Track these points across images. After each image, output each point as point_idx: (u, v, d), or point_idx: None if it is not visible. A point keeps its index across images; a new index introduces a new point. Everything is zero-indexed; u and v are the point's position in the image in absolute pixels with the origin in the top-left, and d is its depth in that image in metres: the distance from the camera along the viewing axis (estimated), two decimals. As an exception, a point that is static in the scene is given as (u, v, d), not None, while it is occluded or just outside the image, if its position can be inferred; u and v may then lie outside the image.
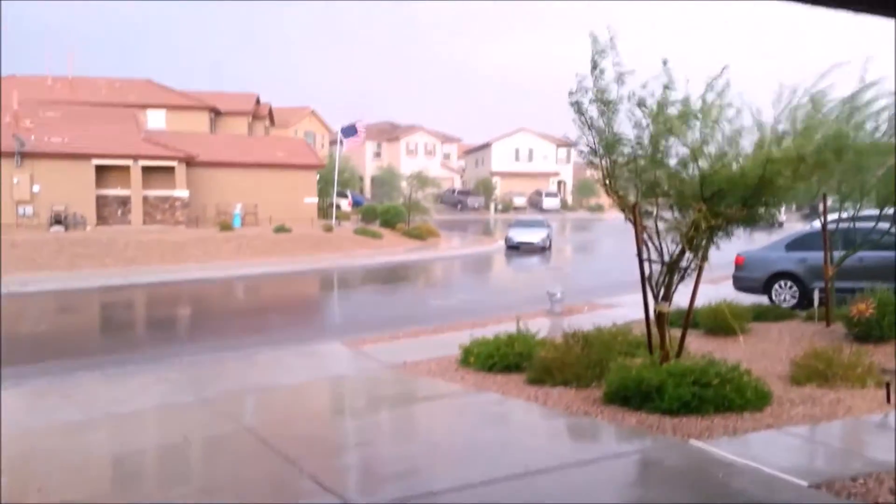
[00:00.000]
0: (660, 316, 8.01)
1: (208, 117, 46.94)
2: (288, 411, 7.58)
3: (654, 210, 7.61)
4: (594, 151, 7.11)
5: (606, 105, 6.75)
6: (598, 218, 62.14)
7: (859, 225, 12.25)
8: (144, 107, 43.41)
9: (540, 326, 11.64)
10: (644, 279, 7.90)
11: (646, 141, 6.87)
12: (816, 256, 12.60)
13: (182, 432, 6.77)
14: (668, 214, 7.46)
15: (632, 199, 7.40)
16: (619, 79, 6.63)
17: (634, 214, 7.68)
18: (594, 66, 6.68)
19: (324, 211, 37.57)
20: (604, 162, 7.17)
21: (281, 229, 29.79)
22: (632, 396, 6.61)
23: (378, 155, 68.19)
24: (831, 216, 12.15)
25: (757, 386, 6.65)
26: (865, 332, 9.61)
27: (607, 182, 7.34)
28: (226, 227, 30.19)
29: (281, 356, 10.91)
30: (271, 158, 36.38)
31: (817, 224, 14.01)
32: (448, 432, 6.45)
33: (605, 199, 72.73)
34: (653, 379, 6.38)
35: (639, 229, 7.70)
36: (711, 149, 6.87)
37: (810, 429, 5.84)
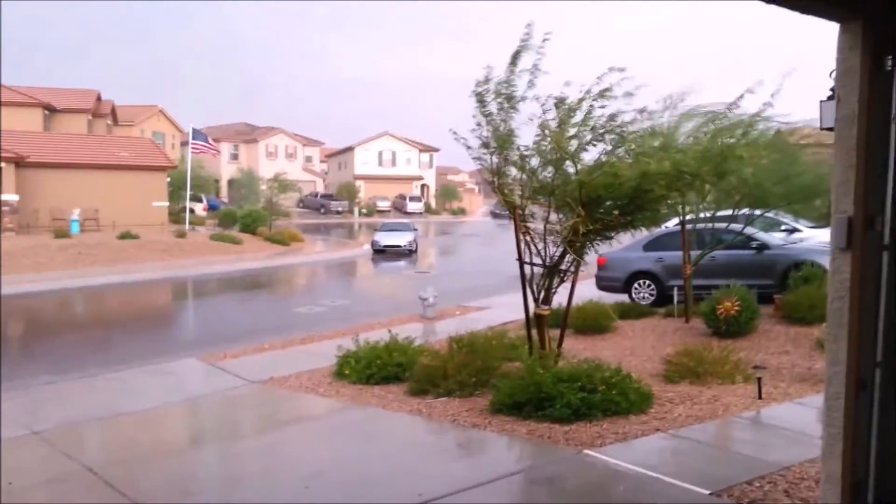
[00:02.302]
0: (540, 318, 7.87)
1: (41, 115, 42.77)
2: (136, 445, 6.64)
3: (537, 212, 7.48)
4: (486, 145, 6.87)
5: (508, 100, 6.55)
6: (460, 221, 63.20)
7: (710, 225, 12.97)
8: (-36, 102, 38.79)
9: (414, 332, 11.27)
10: (524, 282, 7.74)
11: (539, 143, 6.72)
12: (672, 256, 13.19)
13: (8, 475, 5.70)
14: (551, 217, 7.33)
15: (517, 199, 7.21)
16: (531, 81, 6.49)
17: (515, 216, 7.51)
18: (514, 60, 6.49)
19: (176, 216, 35.24)
20: (494, 158, 6.95)
21: (127, 235, 27.47)
22: (520, 405, 6.36)
23: (235, 157, 65.37)
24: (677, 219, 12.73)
25: (639, 388, 6.63)
26: (725, 328, 10.07)
27: (494, 180, 7.11)
28: (62, 233, 27.41)
29: (126, 377, 9.74)
30: (114, 159, 33.60)
31: (670, 224, 14.73)
32: (326, 457, 5.87)
33: (467, 203, 74.42)
34: (546, 386, 6.16)
35: (519, 231, 7.53)
36: (590, 155, 6.83)
37: (695, 430, 5.83)
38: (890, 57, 3.19)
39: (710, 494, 4.34)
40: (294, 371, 9.29)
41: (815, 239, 14.21)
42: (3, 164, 28.19)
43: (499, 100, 6.73)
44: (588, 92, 6.77)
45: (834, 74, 3.30)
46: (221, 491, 5.05)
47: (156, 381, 9.60)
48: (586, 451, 5.29)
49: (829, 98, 3.43)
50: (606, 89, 6.60)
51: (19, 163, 28.86)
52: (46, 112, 43.35)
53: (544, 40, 6.66)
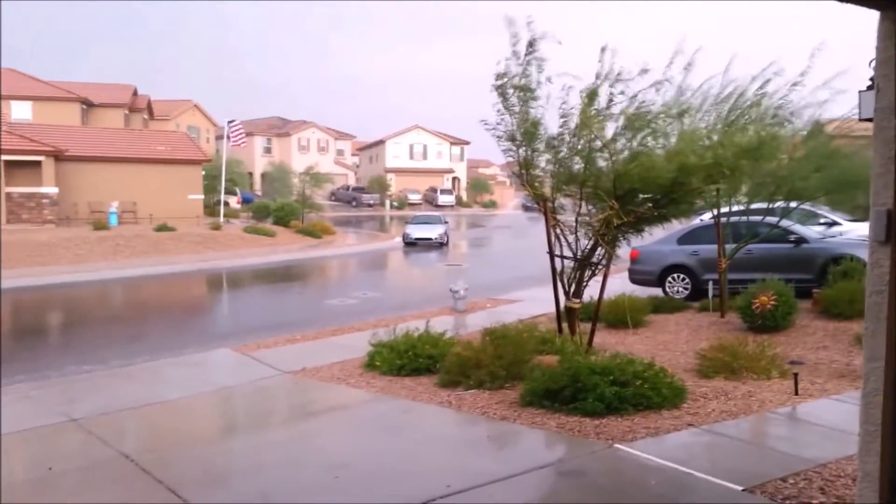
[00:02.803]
0: (570, 311, 7.84)
1: (80, 109, 43.74)
2: (172, 433, 6.78)
3: (566, 205, 7.43)
4: (512, 138, 6.83)
5: (529, 92, 6.50)
6: (491, 214, 63.06)
7: (745, 218, 12.73)
8: (7, 97, 39.88)
9: (445, 324, 11.29)
10: (555, 274, 7.71)
11: (565, 133, 6.66)
12: (706, 249, 12.99)
13: (48, 461, 5.87)
14: (582, 209, 7.27)
15: (546, 191, 7.17)
16: (539, 67, 6.43)
17: (545, 209, 7.46)
18: (529, 50, 6.45)
19: (211, 209, 35.77)
20: (521, 151, 6.91)
21: (163, 228, 27.97)
22: (553, 393, 6.33)
23: (268, 151, 66.06)
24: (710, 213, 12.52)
25: (672, 383, 6.55)
26: (761, 323, 9.90)
27: (523, 173, 7.07)
28: (100, 226, 28.01)
29: (162, 367, 9.94)
30: (151, 153, 34.19)
31: (706, 217, 14.51)
32: (355, 447, 5.91)
33: (498, 196, 74.25)
34: (583, 375, 6.11)
35: (550, 224, 7.49)
36: (627, 146, 6.74)
37: (729, 425, 5.75)
38: (932, 45, 3.08)
39: (744, 491, 4.28)
40: (326, 362, 9.37)
41: (854, 232, 13.88)
42: (42, 158, 28.89)
43: (518, 92, 6.68)
44: (613, 76, 6.68)
45: (873, 64, 3.21)
46: (253, 478, 5.12)
47: (190, 371, 9.78)
48: (617, 446, 5.25)
49: (869, 88, 3.34)
50: (619, 74, 6.51)
51: (59, 156, 29.54)
52: (84, 107, 44.30)
53: (536, 40, 6.58)
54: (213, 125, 59.50)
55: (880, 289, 3.16)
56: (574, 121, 6.57)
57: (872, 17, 3.16)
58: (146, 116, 51.19)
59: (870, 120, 3.30)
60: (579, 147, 6.75)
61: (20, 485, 5.37)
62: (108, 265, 22.46)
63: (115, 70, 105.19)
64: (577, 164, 6.99)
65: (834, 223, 16.13)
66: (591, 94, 6.60)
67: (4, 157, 27.97)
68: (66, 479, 5.52)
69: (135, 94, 49.65)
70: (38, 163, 28.81)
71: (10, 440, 6.62)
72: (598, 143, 6.65)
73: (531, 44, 6.52)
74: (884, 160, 3.14)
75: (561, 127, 6.73)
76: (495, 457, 5.58)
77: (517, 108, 6.79)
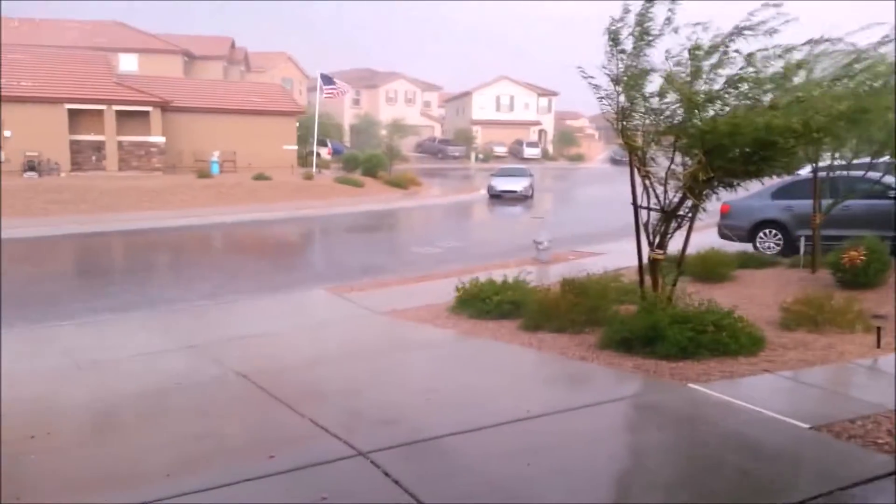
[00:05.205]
0: (653, 263, 7.99)
1: (182, 61, 45.73)
2: (280, 359, 7.50)
3: (658, 157, 7.51)
4: (616, 81, 6.94)
5: (644, 37, 6.59)
6: (578, 167, 62.15)
7: (845, 173, 12.30)
8: (115, 50, 42.13)
9: (528, 275, 11.64)
10: (638, 226, 7.85)
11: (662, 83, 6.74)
12: (801, 204, 12.66)
13: (176, 378, 6.68)
14: (676, 160, 7.34)
15: (639, 141, 7.29)
16: (668, 19, 6.52)
17: (634, 159, 7.57)
18: None
19: (303, 159, 37.02)
20: (621, 98, 7.04)
21: (260, 177, 29.32)
22: (628, 342, 6.62)
23: (357, 102, 67.03)
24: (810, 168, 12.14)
25: (751, 331, 6.69)
26: (852, 279, 9.73)
27: (618, 122, 7.21)
28: (204, 174, 29.63)
29: (265, 304, 10.81)
30: (249, 104, 35.58)
31: (802, 172, 14.06)
32: (446, 378, 6.43)
33: (586, 149, 72.84)
34: (662, 325, 6.37)
35: (640, 175, 7.61)
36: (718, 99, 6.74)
37: (805, 373, 5.90)
38: None
39: (810, 428, 4.49)
40: (414, 305, 9.93)
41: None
42: (150, 109, 30.64)
43: (636, 33, 6.72)
44: (728, 36, 6.63)
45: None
46: (353, 397, 5.71)
47: (290, 307, 10.60)
48: (691, 385, 5.52)
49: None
50: (745, 27, 6.46)
51: (165, 107, 31.24)
52: (186, 59, 46.28)
53: None
54: (306, 77, 60.91)
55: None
56: (675, 85, 6.60)
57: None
58: (243, 69, 52.97)
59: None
60: (681, 100, 6.77)
61: (156, 395, 6.18)
62: (212, 211, 23.91)
63: (214, 23, 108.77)
64: (675, 115, 7.02)
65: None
66: (715, 48, 6.60)
67: (116, 108, 29.83)
68: (193, 392, 6.30)
69: (232, 46, 51.39)
70: (147, 113, 30.58)
71: (139, 360, 7.54)
72: (701, 97, 6.67)
73: None
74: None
75: (666, 77, 6.75)
76: (572, 389, 5.97)
77: (628, 53, 6.84)
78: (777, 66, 6.89)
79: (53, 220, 21.20)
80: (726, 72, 6.75)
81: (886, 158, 11.96)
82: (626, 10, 6.89)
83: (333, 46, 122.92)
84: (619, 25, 6.94)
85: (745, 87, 6.79)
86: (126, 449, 4.89)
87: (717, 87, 6.87)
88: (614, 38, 6.98)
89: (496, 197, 31.14)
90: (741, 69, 6.72)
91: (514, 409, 5.00)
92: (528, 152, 63.64)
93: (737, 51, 6.68)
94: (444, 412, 5.16)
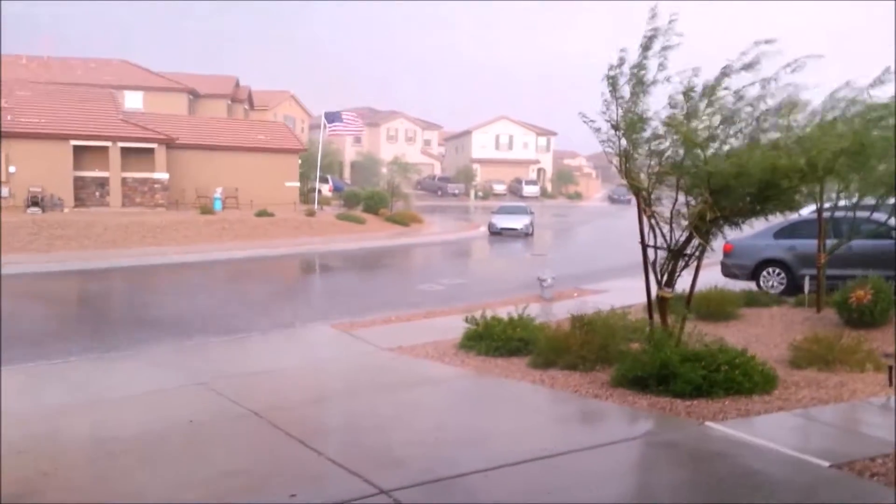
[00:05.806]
0: (662, 301, 8.04)
1: (187, 99, 46.27)
2: (289, 395, 7.47)
3: (662, 196, 7.62)
4: (616, 127, 7.09)
5: (640, 84, 6.76)
6: (576, 205, 62.58)
7: (848, 214, 12.40)
8: (121, 87, 42.64)
9: (533, 311, 11.64)
10: (647, 264, 7.92)
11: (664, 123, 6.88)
12: (804, 244, 12.76)
13: (188, 415, 6.64)
14: (679, 200, 7.45)
15: (644, 182, 7.40)
16: (662, 64, 6.68)
17: (639, 200, 7.68)
18: (646, 45, 6.70)
19: (305, 196, 37.23)
20: (622, 141, 7.18)
21: (263, 213, 29.45)
22: (641, 380, 6.62)
23: (358, 140, 67.65)
24: (812, 207, 12.25)
25: (764, 370, 6.71)
26: (858, 318, 9.76)
27: (622, 163, 7.33)
28: (206, 210, 29.75)
29: (271, 340, 10.79)
30: (252, 142, 35.91)
31: (804, 212, 14.18)
32: (461, 415, 6.41)
33: (584, 188, 73.45)
34: (673, 363, 6.39)
35: (645, 214, 7.70)
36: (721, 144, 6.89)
37: (820, 411, 5.90)
38: None
39: (830, 467, 4.48)
40: (420, 342, 9.90)
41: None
42: (155, 146, 30.90)
43: (631, 83, 6.90)
44: (722, 75, 6.81)
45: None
46: (368, 434, 5.68)
47: (296, 344, 10.59)
48: (708, 423, 5.51)
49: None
50: (727, 67, 6.64)
51: (169, 144, 31.51)
52: (191, 97, 46.85)
53: (671, 21, 6.78)
54: (308, 115, 61.62)
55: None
56: (676, 126, 6.76)
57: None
58: (247, 107, 53.56)
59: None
60: (682, 141, 6.91)
61: (168, 435, 6.14)
62: (215, 247, 23.96)
63: (217, 61, 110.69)
64: (677, 156, 7.16)
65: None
66: (711, 88, 6.76)
67: (121, 145, 30.10)
68: (207, 429, 6.26)
69: (236, 84, 52.04)
70: (151, 150, 30.82)
71: (150, 398, 7.50)
72: (701, 137, 6.82)
73: (648, 41, 6.74)
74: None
75: (666, 119, 6.92)
76: (590, 428, 5.95)
77: (626, 99, 7.01)
78: (770, 103, 7.08)
79: (57, 256, 21.23)
80: (717, 109, 6.93)
81: (892, 200, 12.07)
82: (622, 61, 7.07)
83: (335, 85, 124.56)
84: (616, 72, 7.12)
85: (741, 124, 6.95)
86: (147, 488, 4.85)
87: (714, 124, 7.03)
88: (613, 85, 7.16)
89: (497, 234, 31.31)
90: (733, 105, 6.89)
91: (533, 448, 4.99)
92: (528, 190, 64.17)
93: (726, 88, 6.86)
94: (463, 450, 5.15)
